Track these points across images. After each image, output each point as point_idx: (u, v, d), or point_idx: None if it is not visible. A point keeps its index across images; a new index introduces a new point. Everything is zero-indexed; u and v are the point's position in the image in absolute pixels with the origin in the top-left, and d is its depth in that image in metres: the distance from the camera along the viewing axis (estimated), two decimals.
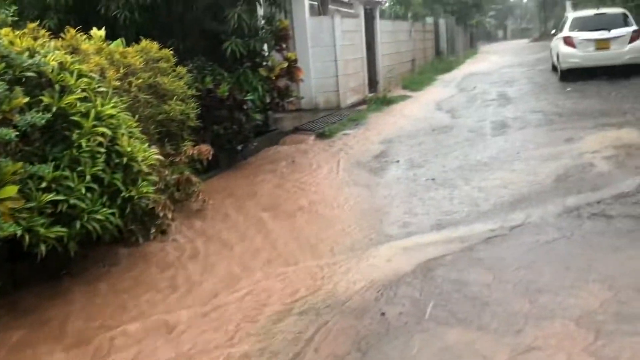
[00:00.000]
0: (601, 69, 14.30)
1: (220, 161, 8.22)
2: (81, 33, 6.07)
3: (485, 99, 13.09)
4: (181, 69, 6.98)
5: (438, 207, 5.95)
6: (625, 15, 14.77)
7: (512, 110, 11.29)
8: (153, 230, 5.80)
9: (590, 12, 15.72)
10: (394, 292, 4.13)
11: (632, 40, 13.96)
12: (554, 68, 16.74)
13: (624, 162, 6.82)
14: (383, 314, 3.83)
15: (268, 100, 9.51)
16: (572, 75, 14.68)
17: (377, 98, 13.55)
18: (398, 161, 8.02)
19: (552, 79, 15.97)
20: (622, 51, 13.98)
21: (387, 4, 30.72)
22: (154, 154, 5.45)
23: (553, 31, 19.34)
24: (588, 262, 4.30)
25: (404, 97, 14.21)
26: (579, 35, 14.35)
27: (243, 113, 8.23)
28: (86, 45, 5.96)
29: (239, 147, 8.26)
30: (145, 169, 5.22)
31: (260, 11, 9.94)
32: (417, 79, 17.54)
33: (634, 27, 14.21)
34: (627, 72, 14.14)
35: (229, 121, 7.97)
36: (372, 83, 15.35)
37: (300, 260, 4.89)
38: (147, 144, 5.41)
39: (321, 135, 10.15)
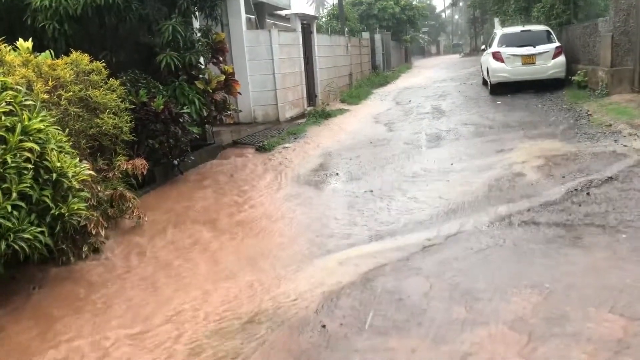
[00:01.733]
0: (528, 82, 15.01)
1: (156, 176, 8.03)
2: (6, 44, 5.82)
3: (420, 112, 13.47)
4: (113, 82, 6.80)
5: (376, 218, 6.05)
6: (548, 32, 15.59)
7: (446, 122, 11.67)
8: (85, 248, 5.58)
9: (517, 28, 16.50)
10: (334, 304, 4.15)
11: (555, 55, 14.74)
12: (485, 82, 17.43)
13: (551, 171, 7.16)
14: (324, 326, 3.84)
15: (205, 113, 9.38)
16: (501, 89, 15.34)
17: (316, 112, 13.67)
18: (337, 174, 8.10)
19: (482, 92, 16.62)
20: (546, 66, 14.74)
21: (323, 19, 31.16)
22: (85, 169, 5.27)
23: (483, 47, 20.20)
24: (520, 268, 4.48)
25: (342, 111, 14.41)
26: (507, 51, 15.01)
27: (179, 126, 8.08)
28: (11, 57, 5.72)
29: (176, 162, 8.11)
30: (76, 185, 5.04)
31: (196, 24, 9.86)
32: (354, 92, 17.82)
33: (557, 44, 15.02)
34: (551, 86, 14.92)
35: (164, 135, 7.82)
36: (311, 97, 15.47)
37: (239, 275, 4.84)
38: (78, 159, 5.22)
39: (260, 149, 10.12)
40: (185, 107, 8.41)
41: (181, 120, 8.14)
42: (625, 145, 7.99)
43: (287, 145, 10.46)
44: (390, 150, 9.36)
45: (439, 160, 8.39)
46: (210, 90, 9.29)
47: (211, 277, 4.87)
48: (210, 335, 3.85)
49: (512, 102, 13.79)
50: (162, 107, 7.74)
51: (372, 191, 7.04)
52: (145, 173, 6.63)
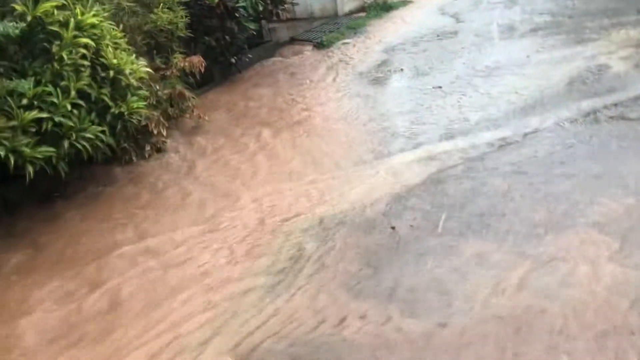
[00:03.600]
0: None
1: (214, 75, 7.83)
2: None
3: (490, 0, 12.41)
4: None
5: (446, 116, 5.66)
6: None
7: (519, 12, 10.69)
8: (148, 148, 5.56)
9: None
10: (403, 205, 3.95)
11: None
12: None
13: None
14: (393, 227, 3.66)
15: (261, 8, 8.93)
16: None
17: (377, 4, 12.83)
18: (402, 70, 7.63)
19: None
20: None
21: None
22: (143, 66, 5.10)
23: None
24: (608, 168, 4.08)
25: (405, 2, 13.46)
26: None
27: (235, 22, 7.73)
28: None
29: (233, 60, 7.83)
30: (134, 82, 4.90)
31: None
32: None
33: None
34: None
35: (220, 31, 7.51)
36: None
37: (304, 176, 4.68)
38: (134, 56, 5.04)
39: (319, 46, 9.65)
40: (240, 1, 7.98)
41: (237, 16, 7.77)
42: None
43: (347, 40, 9.92)
44: (459, 44, 8.70)
45: (513, 52, 7.72)
46: None
47: (275, 177, 4.74)
48: (274, 234, 3.76)
49: None
50: (216, 1, 7.36)
51: (440, 87, 6.58)
52: (203, 71, 6.40)
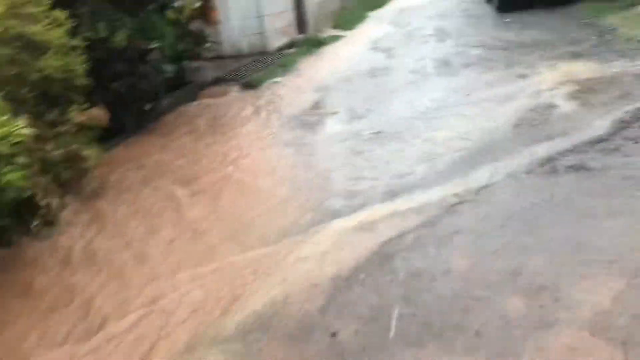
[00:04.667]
0: None
1: (126, 125, 6.87)
2: None
3: (422, 34, 12.04)
4: (58, 14, 5.49)
5: (388, 168, 4.96)
6: None
7: (453, 45, 10.31)
8: (35, 223, 4.53)
9: None
10: (344, 298, 3.14)
11: None
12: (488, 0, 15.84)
13: (587, 99, 6.00)
14: (334, 334, 2.84)
15: (181, 48, 8.08)
16: (508, 6, 13.79)
17: (308, 40, 12.24)
18: (336, 112, 6.92)
19: (487, 11, 15.03)
20: None
21: None
22: (19, 127, 4.12)
23: None
24: (581, 235, 3.43)
25: (336, 38, 12.94)
26: None
27: (149, 65, 6.84)
28: None
29: (148, 107, 6.90)
30: (7, 150, 3.91)
31: None
32: (348, 16, 16.19)
33: None
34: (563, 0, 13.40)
35: (131, 76, 6.59)
36: (302, 23, 13.94)
37: (221, 255, 3.81)
38: (7, 115, 4.06)
39: (247, 86, 8.86)
40: (154, 42, 7.09)
41: (150, 58, 6.88)
42: None
43: (276, 79, 9.18)
44: (394, 81, 8.12)
45: (452, 90, 7.19)
46: (184, 21, 7.95)
47: (187, 258, 3.84)
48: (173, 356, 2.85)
49: (523, 20, 12.33)
50: (124, 43, 6.45)
51: (379, 132, 5.90)
52: (105, 125, 5.46)
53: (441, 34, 11.60)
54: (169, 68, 7.36)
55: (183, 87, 8.70)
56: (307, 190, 4.72)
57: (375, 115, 6.57)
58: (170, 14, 7.77)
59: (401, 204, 4.25)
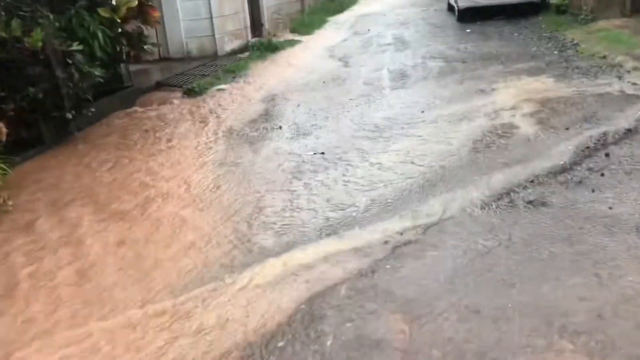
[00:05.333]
0: (499, 8, 13.17)
1: (43, 135, 6.09)
2: None
3: (380, 43, 11.54)
4: None
5: (328, 196, 4.36)
6: None
7: (411, 56, 9.83)
8: None
9: None
10: None
11: None
12: (450, 8, 15.45)
13: (549, 120, 5.55)
14: None
15: (114, 50, 7.31)
16: (469, 16, 13.45)
17: (261, 44, 11.58)
18: (280, 127, 6.30)
19: (449, 19, 14.66)
20: None
21: None
22: None
23: None
24: (545, 299, 2.88)
25: (292, 42, 12.32)
26: None
27: (72, 69, 6.08)
28: None
29: (70, 115, 6.12)
30: None
31: None
32: (307, 21, 15.60)
33: None
34: (525, 11, 13.12)
35: (49, 81, 5.83)
36: (256, 26, 13.27)
37: (119, 309, 3.13)
38: None
39: (189, 93, 8.16)
40: (78, 44, 6.31)
41: (73, 61, 6.12)
42: (634, 84, 6.40)
43: (223, 86, 8.50)
44: (347, 93, 7.55)
45: (406, 105, 6.66)
46: (119, 20, 7.20)
47: (78, 311, 3.15)
48: None
49: (483, 31, 11.98)
50: (40, 43, 5.69)
51: (323, 153, 5.30)
52: (3, 139, 4.72)
53: (400, 43, 11.14)
54: (98, 72, 6.58)
55: (120, 92, 7.94)
56: (235, 222, 4.08)
57: (322, 132, 5.97)
58: (102, 12, 7.03)
59: (338, 243, 3.65)
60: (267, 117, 6.80)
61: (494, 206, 3.92)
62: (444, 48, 10.25)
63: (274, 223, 4.01)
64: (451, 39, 11.43)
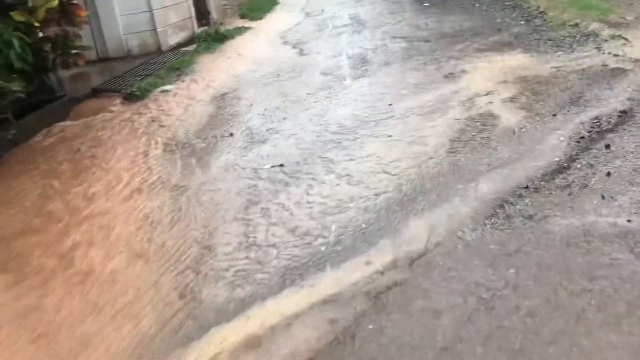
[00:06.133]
0: None
1: None
2: None
3: (336, 24, 10.70)
4: None
5: (291, 225, 3.60)
6: None
7: (370, 37, 9.05)
8: None
9: None
10: None
11: None
12: None
13: (532, 106, 4.89)
14: None
15: (37, 57, 6.33)
16: None
17: (209, 34, 10.59)
18: (232, 134, 5.48)
19: None
20: None
21: None
22: None
23: None
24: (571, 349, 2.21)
25: (242, 30, 11.37)
26: None
27: None
28: None
29: None
30: None
31: None
32: (255, 4, 14.59)
33: None
34: None
35: None
36: (203, 15, 12.24)
37: None
38: None
39: (129, 98, 7.22)
40: None
41: None
42: (616, 55, 5.79)
43: (167, 87, 7.58)
44: (304, 86, 6.74)
45: (371, 99, 5.90)
46: (37, 24, 6.21)
47: None
48: None
49: (443, 3, 11.28)
50: None
51: (282, 165, 4.53)
52: None
53: (357, 24, 10.33)
54: (16, 86, 5.63)
55: (49, 106, 6.95)
56: (179, 272, 3.29)
57: (279, 137, 5.18)
58: (16, 16, 6.02)
59: (307, 294, 2.91)
60: (216, 122, 5.96)
61: (488, 226, 3.24)
62: (404, 26, 9.51)
63: (226, 270, 3.24)
64: (410, 15, 10.70)
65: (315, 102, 6.01)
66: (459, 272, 2.87)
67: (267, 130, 5.42)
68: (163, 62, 9.05)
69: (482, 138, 4.43)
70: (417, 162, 4.17)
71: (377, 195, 3.79)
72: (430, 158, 4.21)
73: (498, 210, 3.37)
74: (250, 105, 6.30)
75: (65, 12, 6.67)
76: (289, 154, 4.72)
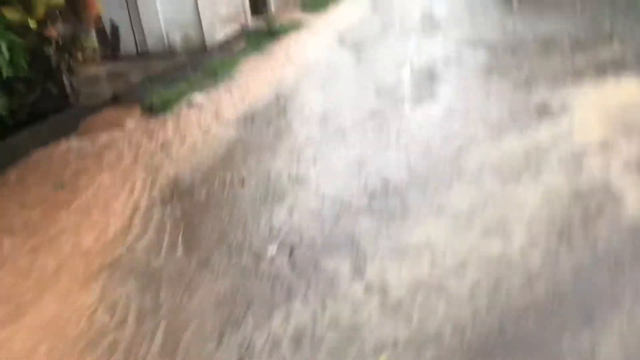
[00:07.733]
0: None
1: None
2: None
3: (405, 24, 9.03)
4: None
5: None
6: None
7: (442, 42, 7.35)
8: None
9: None
10: None
11: None
12: None
13: None
14: None
15: (40, 63, 5.23)
16: None
17: (259, 31, 9.24)
18: (243, 182, 4.08)
19: None
20: None
21: None
22: None
23: None
24: None
25: (298, 25, 9.90)
26: None
27: None
28: None
29: None
30: None
31: None
32: None
33: None
34: None
35: None
36: (258, 6, 10.89)
37: None
38: None
39: (149, 110, 6.00)
40: None
41: None
42: None
43: (195, 98, 6.30)
44: (350, 110, 5.24)
45: (434, 137, 4.33)
46: (35, 24, 5.07)
47: None
48: None
49: (536, 1, 9.32)
50: None
51: (292, 251, 3.09)
52: None
53: (429, 25, 8.61)
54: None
55: (60, 114, 5.83)
56: None
57: (300, 193, 3.73)
58: (9, 13, 4.91)
59: None
60: (232, 158, 4.59)
61: None
62: (486, 30, 7.72)
63: None
64: (495, 15, 8.84)
65: (359, 137, 4.50)
66: None
67: (289, 178, 3.98)
68: (203, 63, 7.78)
69: (601, 237, 2.79)
70: (494, 275, 2.61)
71: (424, 341, 2.28)
72: (517, 270, 2.63)
73: None
74: (280, 137, 4.87)
75: (74, 7, 5.51)
76: (306, 228, 3.27)
